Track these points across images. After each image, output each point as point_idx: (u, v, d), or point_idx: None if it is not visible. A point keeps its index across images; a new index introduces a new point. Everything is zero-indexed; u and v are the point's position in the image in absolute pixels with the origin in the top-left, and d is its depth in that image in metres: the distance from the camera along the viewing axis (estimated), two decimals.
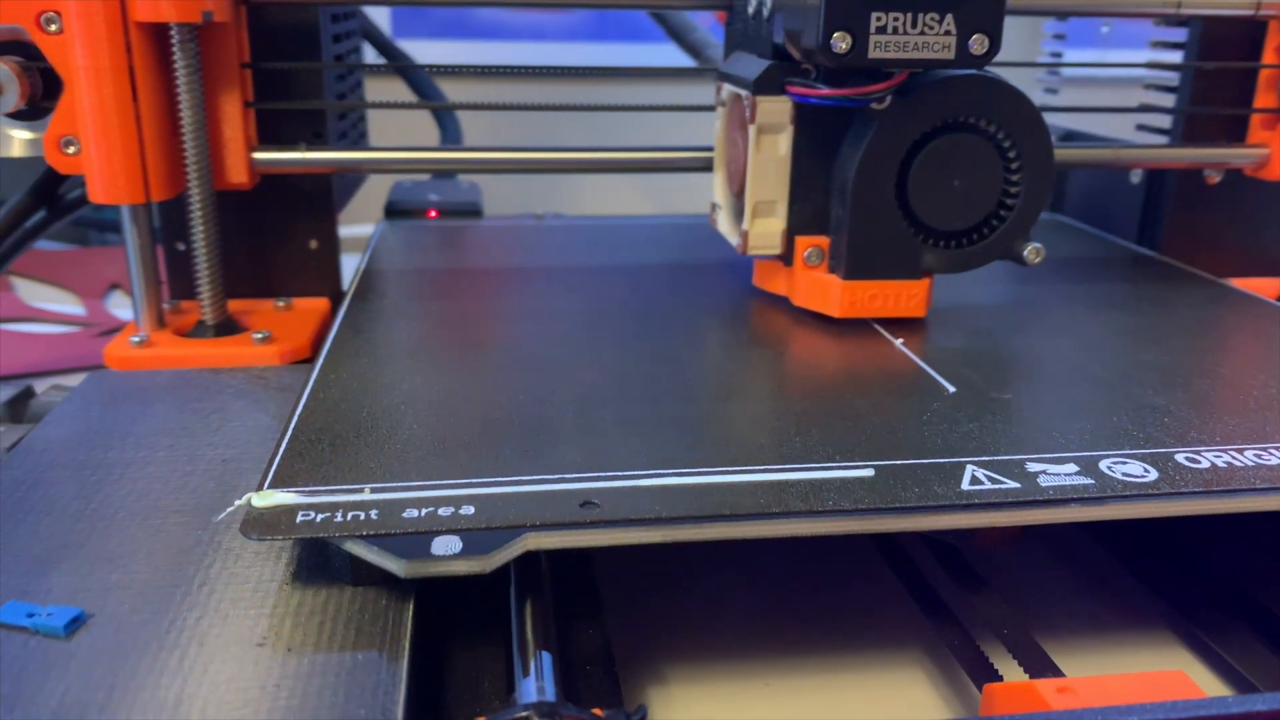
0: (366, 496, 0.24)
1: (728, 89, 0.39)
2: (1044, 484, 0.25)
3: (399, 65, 0.61)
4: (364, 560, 0.23)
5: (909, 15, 0.32)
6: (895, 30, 0.32)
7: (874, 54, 0.33)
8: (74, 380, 0.39)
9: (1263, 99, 0.46)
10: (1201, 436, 0.28)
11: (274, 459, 0.26)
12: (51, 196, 0.42)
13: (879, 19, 0.32)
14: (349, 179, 0.51)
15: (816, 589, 0.31)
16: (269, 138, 0.41)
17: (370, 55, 0.61)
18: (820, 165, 0.37)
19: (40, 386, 0.45)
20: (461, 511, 0.24)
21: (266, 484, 0.25)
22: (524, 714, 0.20)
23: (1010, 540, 0.33)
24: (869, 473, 0.26)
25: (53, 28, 0.35)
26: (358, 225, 0.57)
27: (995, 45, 0.33)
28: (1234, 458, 0.27)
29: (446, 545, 0.23)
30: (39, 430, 0.32)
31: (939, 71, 0.35)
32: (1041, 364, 0.35)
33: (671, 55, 0.70)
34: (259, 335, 0.39)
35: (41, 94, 0.36)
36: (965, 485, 0.25)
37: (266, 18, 0.40)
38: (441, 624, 0.25)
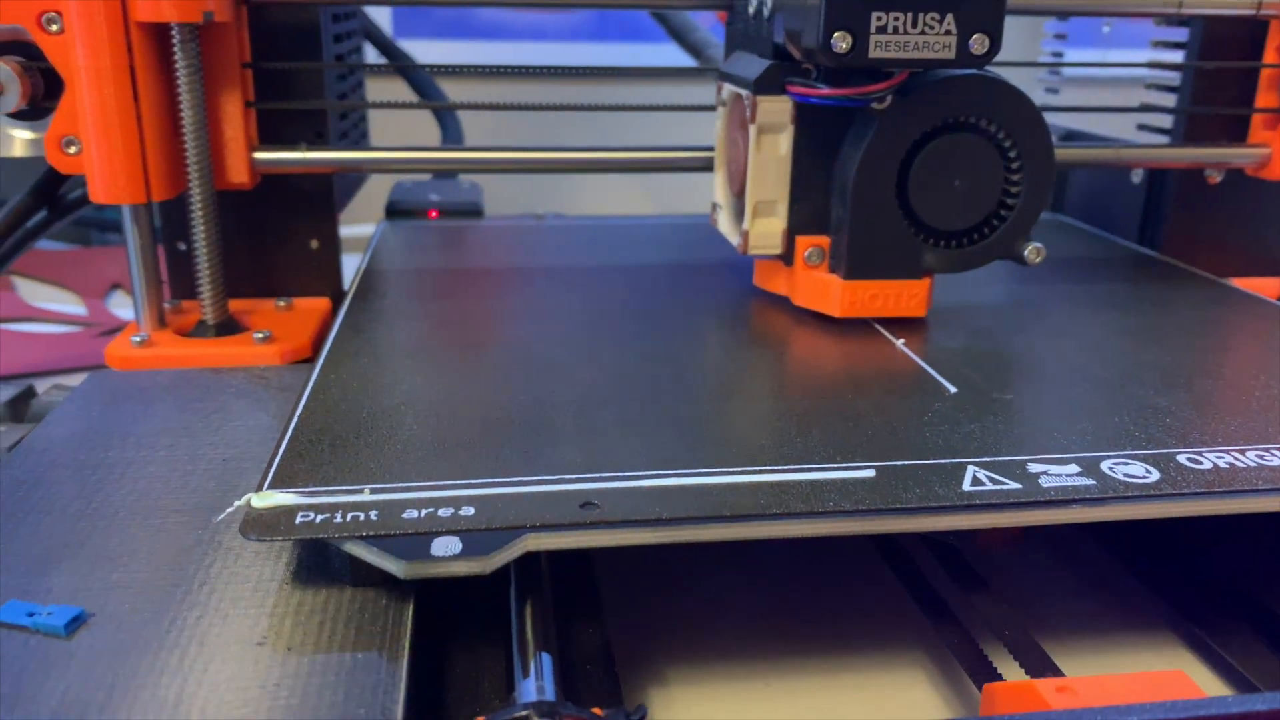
0: (366, 497, 0.24)
1: (728, 89, 0.39)
2: (1045, 485, 0.25)
3: (400, 65, 0.61)
4: (364, 561, 0.23)
5: (909, 15, 0.32)
6: (895, 30, 0.32)
7: (874, 54, 0.33)
8: (75, 380, 0.39)
9: (1264, 99, 0.46)
10: (1203, 437, 0.28)
11: (274, 459, 0.26)
12: (53, 196, 0.42)
13: (879, 19, 0.32)
14: (350, 179, 0.51)
15: (817, 589, 0.31)
16: (270, 138, 0.41)
17: (371, 55, 0.61)
18: (821, 165, 0.37)
19: (41, 386, 0.45)
20: (461, 512, 0.24)
21: (266, 484, 0.25)
22: (523, 713, 0.20)
23: (1011, 541, 0.33)
24: (870, 473, 0.26)
25: (54, 28, 0.35)
26: (358, 225, 0.57)
27: (996, 45, 0.33)
28: (1236, 458, 0.27)
29: (446, 546, 0.23)
30: (40, 430, 0.32)
31: (939, 71, 0.35)
32: (1043, 364, 0.35)
33: (672, 55, 0.70)
34: (260, 335, 0.39)
35: (43, 94, 0.36)
36: (966, 486, 0.25)
37: (267, 18, 0.40)
38: (441, 624, 0.25)
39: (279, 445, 0.27)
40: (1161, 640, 0.29)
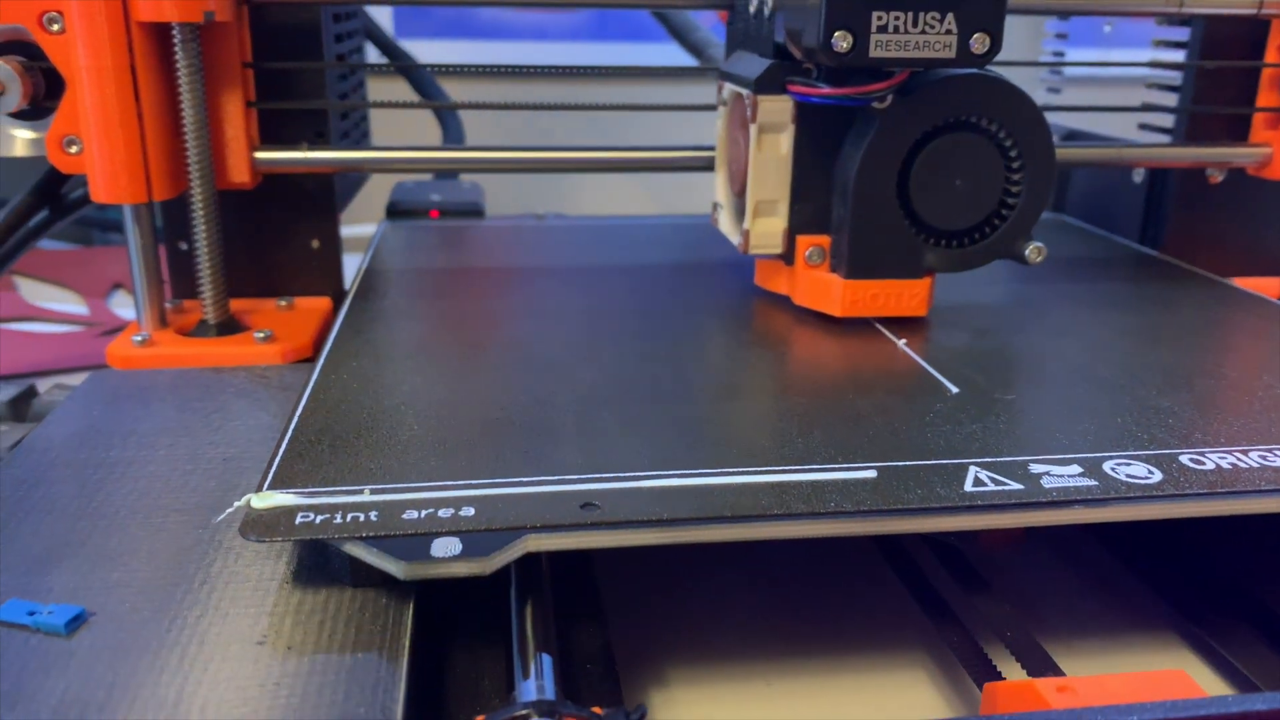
0: (366, 498, 0.24)
1: (729, 88, 0.39)
2: (1047, 485, 0.25)
3: (401, 65, 0.61)
4: (363, 562, 0.23)
5: (910, 14, 0.32)
6: (896, 29, 0.32)
7: (875, 53, 0.33)
8: (77, 379, 0.39)
9: (1265, 98, 0.46)
10: (1206, 438, 0.28)
11: (273, 460, 0.26)
12: (54, 196, 0.42)
13: (880, 18, 0.32)
14: (351, 179, 0.51)
15: (818, 590, 0.31)
16: (271, 137, 0.41)
17: (373, 55, 0.61)
18: (821, 164, 0.37)
19: (43, 386, 0.45)
20: (461, 513, 0.23)
21: (266, 485, 0.25)
22: (523, 712, 0.20)
23: (1014, 542, 0.32)
24: (871, 474, 0.26)
25: (55, 27, 0.35)
26: (359, 225, 0.57)
27: (996, 44, 0.33)
28: (1239, 459, 0.27)
29: (446, 547, 0.23)
30: (41, 429, 0.32)
31: (940, 71, 0.35)
32: (1044, 364, 0.35)
33: (673, 55, 0.70)
34: (261, 334, 0.39)
35: (44, 93, 0.36)
36: (968, 487, 0.25)
37: (268, 17, 0.41)
38: (441, 625, 0.25)
39: (279, 446, 0.27)
40: (1163, 640, 0.29)
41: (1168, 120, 0.49)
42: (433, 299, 0.42)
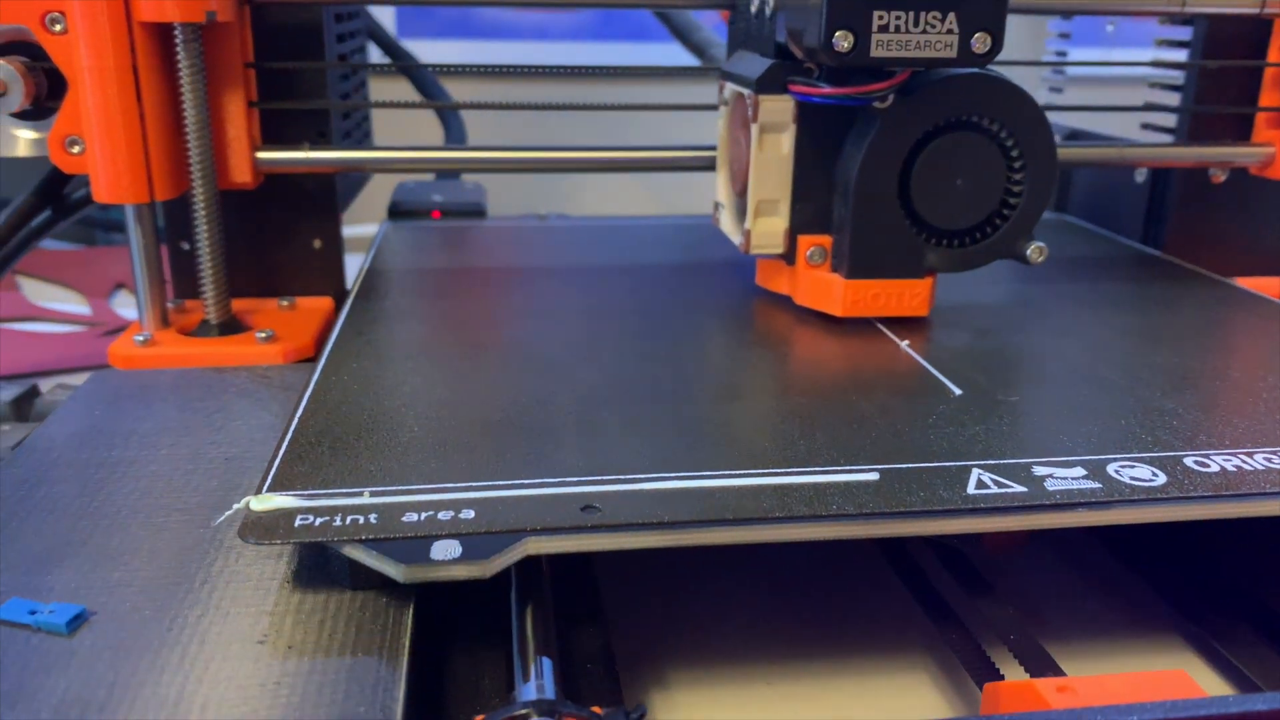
0: (366, 500, 0.24)
1: (730, 88, 0.39)
2: (1051, 488, 0.25)
3: (403, 65, 0.61)
4: (363, 564, 0.23)
5: (911, 14, 0.32)
6: (897, 29, 0.32)
7: (876, 53, 0.33)
8: (79, 379, 0.39)
9: (1268, 98, 0.46)
10: (1210, 440, 0.28)
11: (273, 462, 0.26)
12: (57, 196, 0.42)
13: (881, 18, 0.32)
14: (353, 179, 0.51)
15: (819, 591, 0.31)
16: (273, 137, 0.41)
17: (375, 55, 0.61)
18: (823, 164, 0.37)
19: (45, 385, 0.45)
20: (461, 515, 0.23)
21: (265, 488, 0.25)
22: (523, 711, 0.20)
23: (1017, 544, 0.32)
24: (874, 476, 0.26)
25: (57, 28, 0.35)
26: (361, 225, 0.57)
27: (997, 44, 0.33)
28: (1243, 461, 0.27)
29: (446, 549, 0.23)
30: (43, 429, 0.32)
31: (941, 70, 0.35)
32: (1047, 365, 0.35)
33: (675, 55, 0.70)
34: (262, 334, 0.39)
35: (46, 94, 0.37)
36: (971, 489, 0.25)
37: (270, 17, 0.41)
38: (441, 628, 0.25)
39: (278, 448, 0.27)
40: (1165, 641, 0.29)
41: (1170, 120, 0.49)
42: (434, 299, 0.42)
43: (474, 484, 0.25)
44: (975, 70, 0.35)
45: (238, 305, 0.42)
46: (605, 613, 0.27)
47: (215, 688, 0.21)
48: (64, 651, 0.21)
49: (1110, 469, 0.26)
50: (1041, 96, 0.58)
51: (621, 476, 0.25)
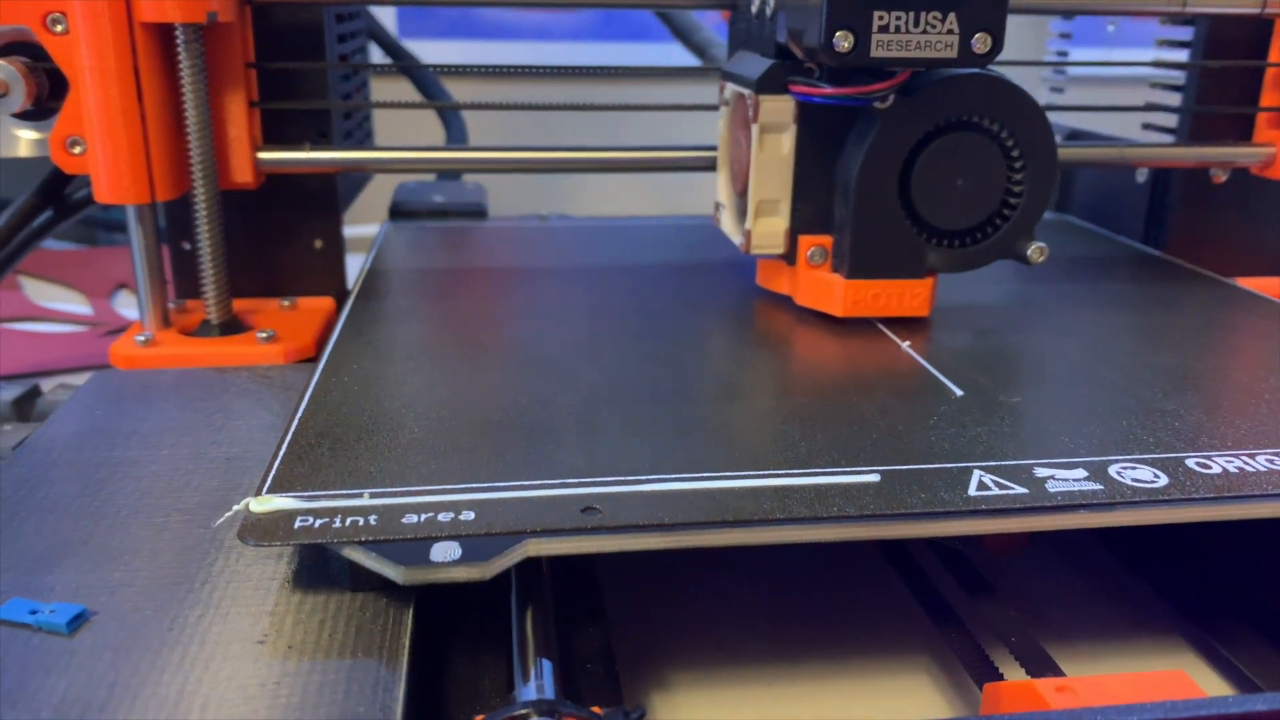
0: (365, 501, 0.24)
1: (731, 88, 0.39)
2: (1052, 489, 0.25)
3: (404, 65, 0.61)
4: (363, 566, 0.23)
5: (911, 14, 0.32)
6: (898, 29, 0.32)
7: (876, 53, 0.33)
8: (80, 379, 0.39)
9: (1269, 98, 0.46)
10: (1212, 441, 0.28)
11: (273, 463, 0.26)
12: (58, 196, 0.42)
13: (881, 18, 0.32)
14: (354, 179, 0.51)
15: (820, 592, 0.31)
16: (274, 137, 0.41)
17: (376, 55, 0.61)
18: (823, 164, 0.37)
19: (47, 385, 0.45)
20: (461, 517, 0.23)
21: (265, 489, 0.25)
22: (523, 711, 0.20)
23: (1018, 545, 0.32)
24: (875, 478, 0.26)
25: (58, 28, 0.35)
26: (362, 225, 0.57)
27: (998, 44, 0.33)
28: (1246, 463, 0.27)
29: (446, 551, 0.23)
30: (44, 428, 0.32)
31: (942, 70, 0.35)
32: (1049, 366, 0.35)
33: (676, 55, 0.70)
34: (263, 334, 0.39)
35: (47, 94, 0.37)
36: (972, 491, 0.25)
37: (271, 18, 0.41)
38: (442, 629, 0.25)
39: (278, 449, 0.27)
40: (1166, 641, 0.29)
41: (1171, 120, 0.49)
42: (435, 300, 0.42)
43: (474, 485, 0.25)
44: (976, 70, 0.35)
45: (239, 305, 0.42)
46: (605, 613, 0.27)
47: (215, 688, 0.21)
48: (64, 651, 0.21)
49: (1112, 470, 0.26)
50: (1042, 96, 0.58)
51: (622, 477, 0.25)
